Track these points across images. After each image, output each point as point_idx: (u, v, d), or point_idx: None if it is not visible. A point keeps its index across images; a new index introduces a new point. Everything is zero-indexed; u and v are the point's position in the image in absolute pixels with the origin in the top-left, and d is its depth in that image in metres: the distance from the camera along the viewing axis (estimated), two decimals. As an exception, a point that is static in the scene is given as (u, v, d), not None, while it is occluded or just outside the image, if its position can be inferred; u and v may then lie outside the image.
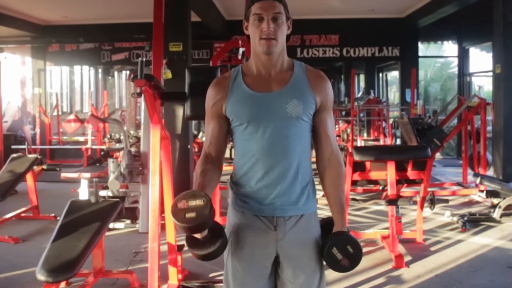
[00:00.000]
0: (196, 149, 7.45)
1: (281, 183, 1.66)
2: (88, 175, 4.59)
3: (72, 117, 8.45)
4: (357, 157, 4.19)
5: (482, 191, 5.70)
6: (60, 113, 11.26)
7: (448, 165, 9.32)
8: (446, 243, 4.39)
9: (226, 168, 2.18)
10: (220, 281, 3.16)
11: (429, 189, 4.52)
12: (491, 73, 7.61)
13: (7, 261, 4.04)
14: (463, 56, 11.12)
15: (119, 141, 8.55)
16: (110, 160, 4.74)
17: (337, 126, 10.67)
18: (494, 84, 6.99)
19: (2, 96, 7.55)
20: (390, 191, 4.09)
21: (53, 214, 5.36)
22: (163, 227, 3.26)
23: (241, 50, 7.49)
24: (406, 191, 5.77)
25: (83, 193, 4.19)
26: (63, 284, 3.31)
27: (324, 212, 2.25)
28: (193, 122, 7.13)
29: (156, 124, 3.17)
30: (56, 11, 9.30)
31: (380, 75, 14.26)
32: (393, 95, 17.15)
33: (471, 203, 6.01)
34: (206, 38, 9.85)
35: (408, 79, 9.95)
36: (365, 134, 11.09)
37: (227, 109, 1.69)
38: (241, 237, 1.69)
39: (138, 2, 7.72)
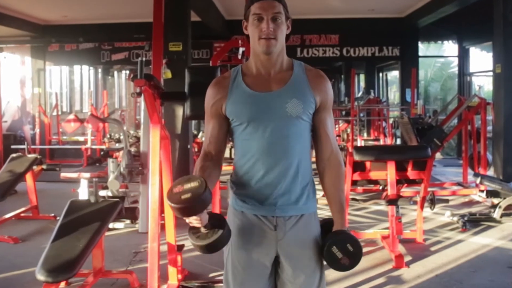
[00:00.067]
0: (196, 149, 7.44)
1: (281, 182, 1.66)
2: (87, 175, 4.59)
3: (71, 117, 8.45)
4: (357, 157, 4.19)
5: (482, 191, 5.70)
6: (59, 113, 11.25)
7: (448, 165, 9.32)
8: (446, 243, 4.39)
9: (226, 168, 2.18)
10: (220, 281, 3.15)
11: (429, 189, 4.52)
12: (491, 73, 7.62)
13: (6, 261, 4.03)
14: (463, 56, 11.12)
15: (118, 141, 8.54)
16: (109, 160, 4.74)
17: (337, 126, 10.67)
18: (494, 84, 6.98)
19: (1, 96, 7.54)
20: (390, 191, 4.09)
21: (52, 214, 5.35)
22: (162, 227, 3.26)
23: (241, 50, 7.49)
24: (406, 191, 5.77)
25: (83, 193, 4.19)
26: (62, 284, 3.31)
27: (324, 212, 2.25)
28: (193, 122, 7.13)
29: (156, 124, 3.16)
30: (55, 11, 9.29)
31: (380, 75, 14.26)
32: (393, 95, 17.15)
33: (471, 203, 6.00)
34: (206, 38, 9.84)
35: (408, 79, 9.94)
36: (365, 134, 11.08)
37: (227, 109, 1.69)
38: (241, 237, 1.69)
39: (137, 2, 7.72)
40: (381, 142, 9.92)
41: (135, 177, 4.82)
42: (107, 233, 3.91)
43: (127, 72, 14.88)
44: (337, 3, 8.89)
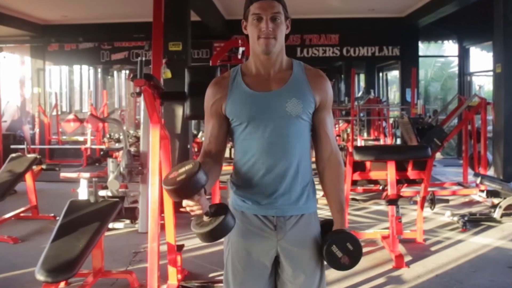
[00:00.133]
0: (196, 149, 7.45)
1: (281, 182, 1.66)
2: (87, 175, 4.59)
3: (71, 116, 8.44)
4: (357, 157, 4.19)
5: (482, 191, 5.69)
6: (59, 112, 11.24)
7: (448, 165, 9.32)
8: (446, 243, 4.38)
9: (226, 168, 2.17)
10: (220, 281, 3.15)
11: (429, 189, 4.52)
12: (491, 73, 7.60)
13: (6, 261, 4.03)
14: (463, 56, 11.12)
15: (118, 140, 8.54)
16: (109, 160, 4.74)
17: (337, 125, 10.67)
18: (495, 83, 6.98)
19: (1, 96, 7.54)
20: (390, 191, 4.08)
21: (52, 214, 5.35)
22: (162, 227, 3.25)
23: (240, 49, 7.50)
24: (406, 191, 5.76)
25: (83, 193, 4.20)
26: (62, 284, 3.30)
27: (324, 212, 2.24)
28: (193, 122, 7.12)
29: (156, 123, 3.16)
30: (55, 11, 9.29)
31: (380, 74, 14.26)
32: (393, 94, 17.14)
33: (471, 203, 6.00)
34: (205, 37, 9.85)
35: (408, 79, 9.94)
36: (365, 134, 11.08)
37: (227, 109, 1.69)
38: (241, 237, 1.69)
39: (137, 2, 7.71)
40: (381, 142, 9.92)
41: (134, 177, 4.82)
42: (106, 233, 3.91)
43: (127, 72, 14.88)
44: (337, 3, 8.88)
